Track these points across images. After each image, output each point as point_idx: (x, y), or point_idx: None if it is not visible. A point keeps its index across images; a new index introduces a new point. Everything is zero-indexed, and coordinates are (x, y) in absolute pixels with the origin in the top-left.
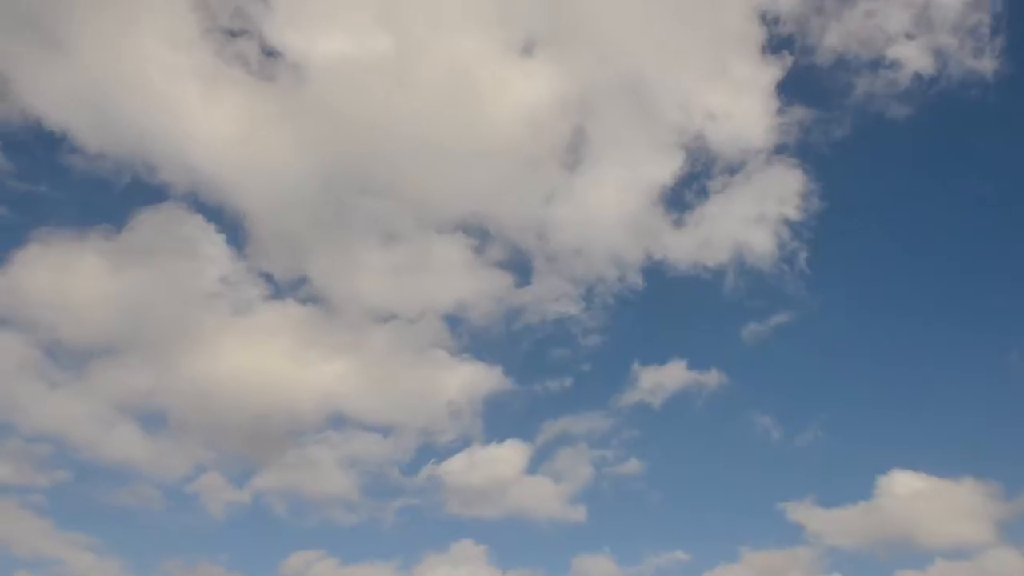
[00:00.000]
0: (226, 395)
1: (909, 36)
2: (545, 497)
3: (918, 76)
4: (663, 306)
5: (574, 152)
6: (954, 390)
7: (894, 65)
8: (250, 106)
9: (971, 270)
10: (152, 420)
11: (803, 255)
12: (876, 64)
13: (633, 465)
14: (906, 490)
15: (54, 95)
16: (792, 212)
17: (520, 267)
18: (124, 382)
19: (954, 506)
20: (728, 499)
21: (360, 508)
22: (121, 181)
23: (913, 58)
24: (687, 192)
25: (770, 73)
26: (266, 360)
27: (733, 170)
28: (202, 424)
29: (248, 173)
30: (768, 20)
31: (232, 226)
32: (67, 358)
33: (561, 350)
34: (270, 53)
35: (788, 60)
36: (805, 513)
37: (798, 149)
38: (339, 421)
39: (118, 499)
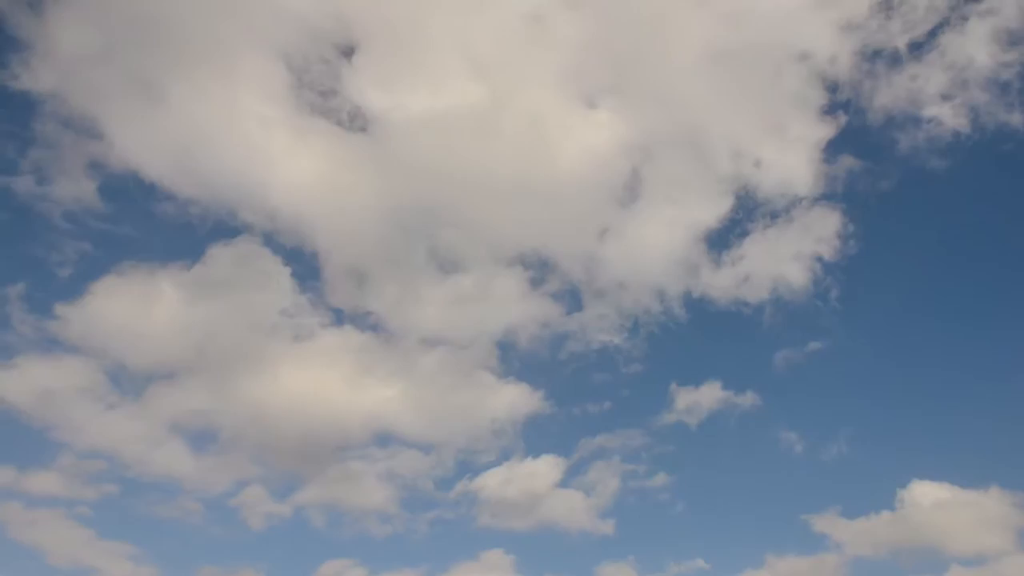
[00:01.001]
0: (277, 415)
1: (946, 97)
2: (576, 510)
3: (955, 132)
4: (702, 334)
5: (629, 193)
6: (978, 403)
7: (933, 121)
8: (332, 153)
9: (994, 296)
10: (203, 438)
11: (836, 292)
12: (918, 121)
13: (663, 479)
14: (929, 500)
15: (149, 145)
16: (829, 252)
17: (570, 297)
18: (180, 403)
19: (978, 516)
20: (754, 511)
21: (395, 520)
22: (205, 223)
23: (950, 115)
24: (731, 234)
25: (823, 131)
26: (320, 383)
27: (776, 214)
28: (251, 442)
29: (324, 213)
30: (826, 85)
31: (301, 261)
32: (128, 382)
33: (602, 375)
34: (353, 105)
35: (842, 120)
36: (829, 524)
37: (840, 196)
38: (384, 439)
39: (161, 512)
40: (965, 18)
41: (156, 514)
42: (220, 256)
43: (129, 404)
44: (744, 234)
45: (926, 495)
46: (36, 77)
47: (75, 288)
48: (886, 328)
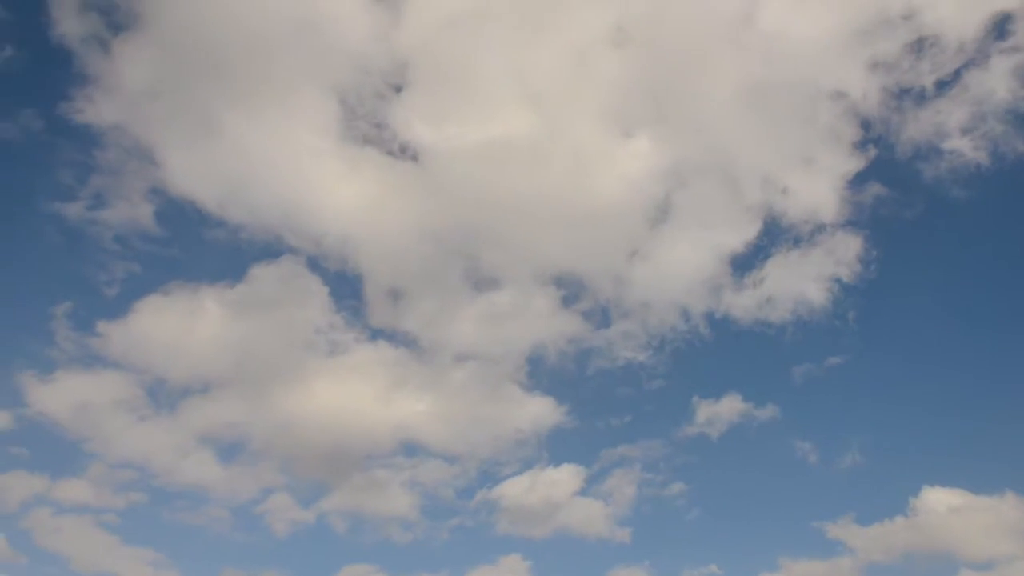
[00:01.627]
0: (308, 426)
1: (966, 130)
2: (594, 517)
3: (976, 163)
4: (723, 351)
5: (660, 217)
6: (991, 410)
7: (955, 153)
8: (380, 181)
9: (1005, 307)
10: (232, 449)
11: (854, 312)
12: (940, 153)
13: (680, 488)
14: (943, 506)
15: (204, 173)
16: (849, 275)
17: (599, 315)
18: (213, 416)
19: (991, 521)
20: (769, 518)
21: (416, 527)
22: (252, 246)
23: (970, 148)
24: (755, 257)
25: (850, 162)
26: (351, 397)
27: (800, 239)
28: (280, 452)
29: (368, 237)
30: (855, 119)
31: (342, 281)
32: (164, 395)
33: (626, 390)
34: (402, 136)
35: (868, 152)
36: (844, 531)
37: (863, 223)
38: (411, 449)
39: (186, 519)
40: (988, 55)
41: (182, 521)
42: (262, 276)
43: (163, 417)
44: (768, 257)
45: (940, 501)
46: (99, 110)
47: (120, 307)
48: (901, 341)
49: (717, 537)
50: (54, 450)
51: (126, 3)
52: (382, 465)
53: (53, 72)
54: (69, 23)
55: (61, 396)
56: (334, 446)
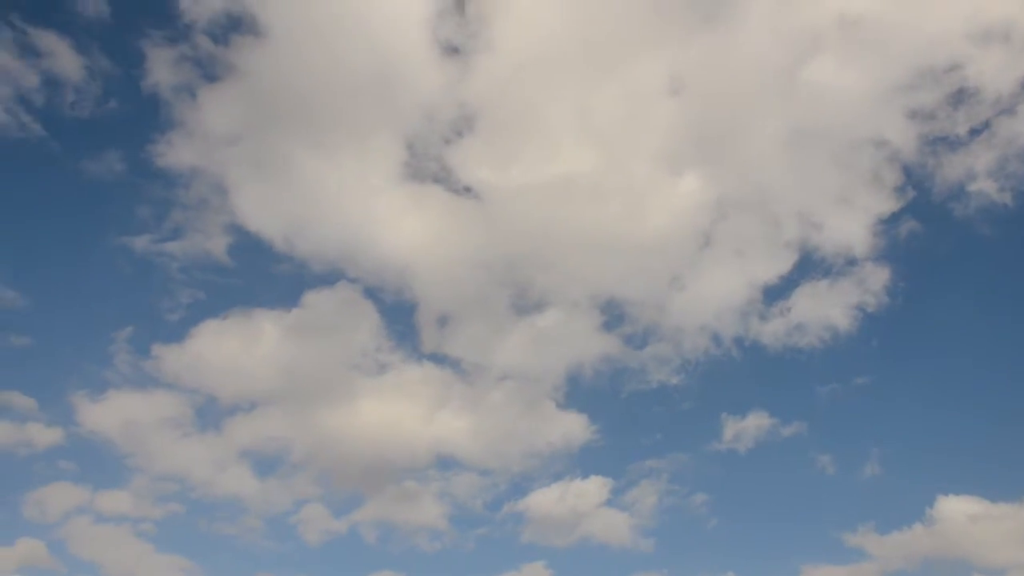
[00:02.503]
0: (347, 442)
1: (991, 173)
2: (618, 528)
3: (1003, 204)
4: (752, 372)
5: (700, 249)
6: (1008, 418)
7: (981, 194)
8: (438, 216)
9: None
10: (272, 463)
11: (878, 339)
12: (968, 194)
13: (704, 499)
14: (961, 514)
15: (272, 210)
16: (875, 305)
17: (636, 339)
18: (257, 432)
19: (1008, 528)
20: (791, 528)
21: (444, 536)
22: (314, 277)
23: (995, 189)
24: (787, 288)
25: (883, 203)
26: (392, 414)
27: (831, 271)
28: (318, 466)
29: (424, 267)
30: (891, 163)
31: (395, 307)
32: (212, 414)
33: (657, 408)
34: (464, 175)
35: (900, 193)
36: (864, 539)
37: (891, 258)
38: (446, 463)
39: (221, 528)
40: (1017, 103)
41: (216, 531)
42: (318, 301)
43: (209, 433)
44: (798, 286)
45: (958, 509)
46: (180, 153)
47: (179, 332)
48: (922, 360)
49: (739, 546)
50: (99, 464)
51: (220, 55)
52: (416, 478)
53: (142, 118)
54: (163, 73)
55: (111, 414)
56: (371, 460)
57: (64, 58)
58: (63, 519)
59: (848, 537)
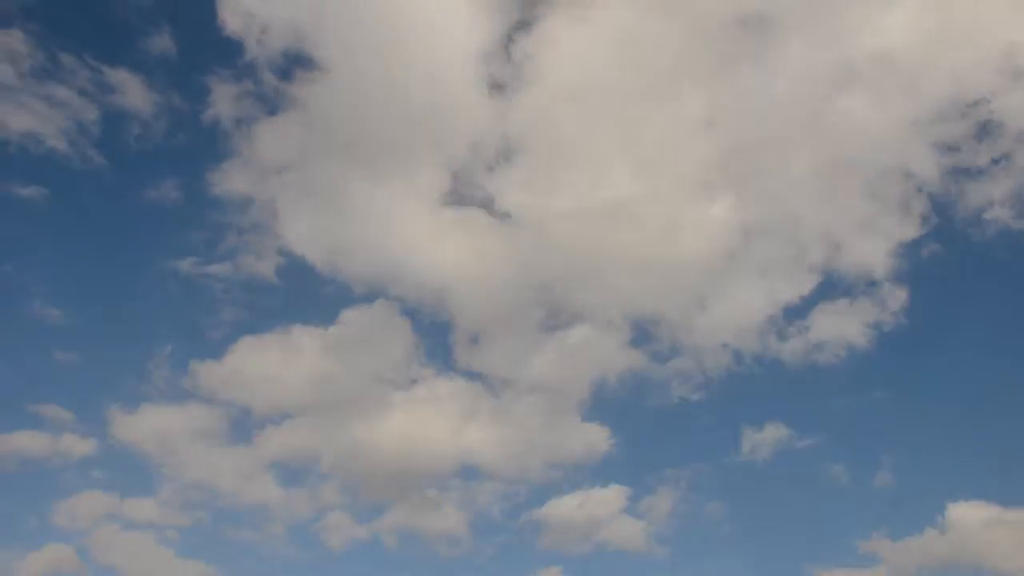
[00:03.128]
0: (374, 452)
1: (1005, 201)
2: (635, 535)
3: (1020, 230)
4: (771, 387)
5: (728, 270)
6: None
7: (998, 222)
8: (478, 240)
9: None
10: (300, 473)
11: (895, 356)
12: (986, 221)
13: (720, 507)
14: (973, 520)
15: (319, 235)
16: (893, 324)
17: (661, 355)
18: (286, 443)
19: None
20: (805, 535)
21: (464, 543)
22: (353, 294)
23: (1011, 216)
24: (808, 307)
25: (907, 230)
26: (420, 426)
27: (851, 292)
28: (344, 475)
29: (460, 286)
30: (916, 192)
31: (429, 324)
32: (245, 426)
33: (678, 421)
34: (507, 201)
35: (926, 221)
36: (877, 545)
37: (912, 280)
38: (468, 472)
39: (244, 535)
40: None
41: (240, 538)
42: (355, 318)
43: (240, 445)
44: (818, 306)
45: (970, 515)
46: (234, 181)
47: (218, 349)
48: (935, 371)
49: (754, 552)
50: (129, 473)
51: (280, 90)
52: (439, 487)
53: (202, 148)
54: (225, 107)
55: (144, 426)
56: (396, 470)
57: (133, 93)
58: (91, 526)
59: (861, 543)
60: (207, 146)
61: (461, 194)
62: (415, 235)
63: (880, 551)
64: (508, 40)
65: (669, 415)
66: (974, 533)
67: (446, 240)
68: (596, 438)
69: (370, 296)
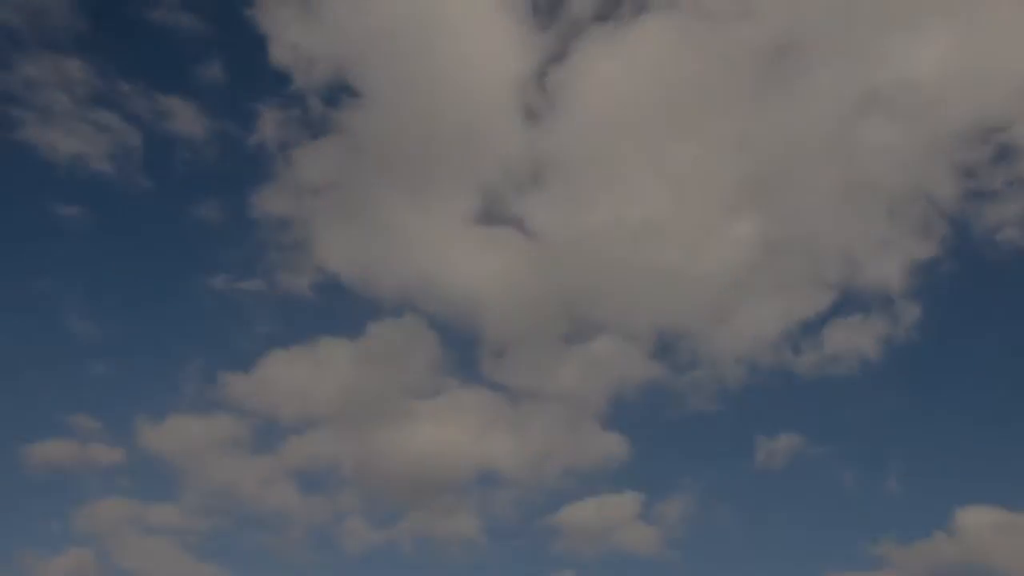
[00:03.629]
0: (394, 459)
1: (1014, 222)
2: (648, 540)
3: None
4: (785, 398)
5: (748, 284)
6: None
7: (1009, 242)
8: (507, 257)
9: None
10: (321, 480)
11: (906, 368)
12: (998, 242)
13: (733, 513)
14: (982, 524)
15: (351, 254)
16: (905, 339)
17: (680, 366)
18: (309, 451)
19: None
20: (816, 540)
21: (479, 548)
22: (383, 309)
23: (1021, 236)
24: (824, 322)
25: (924, 249)
26: (440, 434)
27: (865, 307)
28: (364, 482)
29: (487, 301)
30: (935, 213)
31: (455, 337)
32: (269, 435)
33: (694, 430)
34: (535, 220)
35: (942, 241)
36: (887, 550)
37: (926, 296)
38: (486, 479)
39: (261, 540)
40: None
41: (257, 542)
42: (383, 330)
43: (263, 453)
44: (833, 321)
45: (979, 519)
46: (273, 202)
47: (247, 361)
48: (945, 381)
49: (766, 557)
50: (153, 480)
51: (324, 115)
52: (457, 493)
53: (246, 171)
54: (269, 131)
55: (171, 436)
56: (416, 477)
57: (182, 119)
58: (112, 531)
59: (872, 548)
60: (250, 169)
61: (492, 214)
62: (446, 253)
63: (890, 555)
64: (543, 70)
65: (685, 425)
66: (982, 537)
67: (475, 257)
68: (613, 446)
69: (399, 310)
